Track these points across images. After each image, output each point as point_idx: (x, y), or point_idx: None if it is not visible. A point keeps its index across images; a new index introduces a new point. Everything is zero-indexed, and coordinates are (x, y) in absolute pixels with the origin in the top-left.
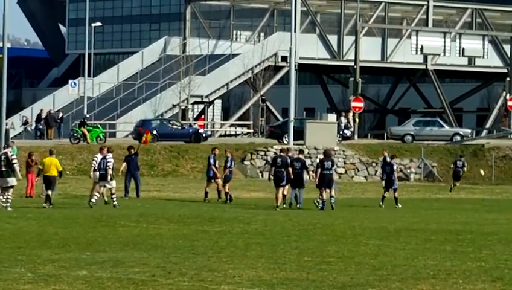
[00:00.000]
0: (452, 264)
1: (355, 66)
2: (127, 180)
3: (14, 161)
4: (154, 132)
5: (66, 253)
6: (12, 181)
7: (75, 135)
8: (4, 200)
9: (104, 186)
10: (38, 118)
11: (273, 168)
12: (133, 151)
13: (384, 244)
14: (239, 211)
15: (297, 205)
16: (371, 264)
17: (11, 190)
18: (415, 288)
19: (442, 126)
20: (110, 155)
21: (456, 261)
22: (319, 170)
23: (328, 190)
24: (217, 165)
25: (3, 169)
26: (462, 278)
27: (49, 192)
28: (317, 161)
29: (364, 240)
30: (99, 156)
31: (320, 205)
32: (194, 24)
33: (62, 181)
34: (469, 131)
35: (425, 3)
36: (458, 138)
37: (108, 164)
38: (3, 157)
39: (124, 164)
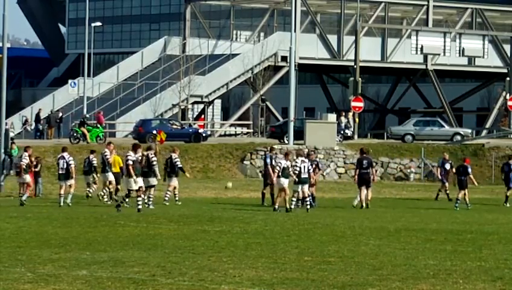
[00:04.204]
0: (452, 264)
1: (355, 66)
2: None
3: (154, 163)
4: (154, 132)
5: (66, 253)
6: (153, 181)
7: (75, 134)
8: (146, 199)
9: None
10: (37, 118)
11: (358, 170)
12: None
13: (384, 244)
14: (239, 211)
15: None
16: (371, 264)
17: (152, 189)
18: (415, 288)
19: (443, 126)
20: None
21: (456, 261)
22: (357, 170)
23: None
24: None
25: (145, 170)
26: (462, 277)
27: (118, 186)
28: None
29: (365, 240)
30: (283, 161)
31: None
32: (194, 24)
33: None
34: (469, 131)
35: (425, 3)
36: (458, 137)
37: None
38: (144, 158)
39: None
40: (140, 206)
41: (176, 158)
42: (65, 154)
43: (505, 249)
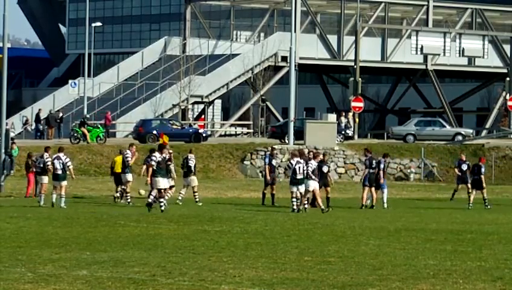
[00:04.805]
0: (452, 264)
1: (355, 66)
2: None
3: (169, 163)
4: (154, 132)
5: (66, 253)
6: (169, 182)
7: (75, 134)
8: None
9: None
10: (37, 118)
11: (368, 170)
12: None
13: (384, 244)
14: (239, 211)
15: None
16: (371, 264)
17: (169, 191)
18: (415, 288)
19: (444, 126)
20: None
21: (456, 261)
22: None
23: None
24: (274, 164)
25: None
26: (462, 277)
27: (119, 187)
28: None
29: (365, 240)
30: (313, 162)
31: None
32: (194, 24)
33: None
34: (471, 131)
35: (425, 3)
36: (460, 137)
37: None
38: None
39: (145, 167)
40: (163, 207)
41: (191, 158)
42: (61, 154)
43: (505, 249)
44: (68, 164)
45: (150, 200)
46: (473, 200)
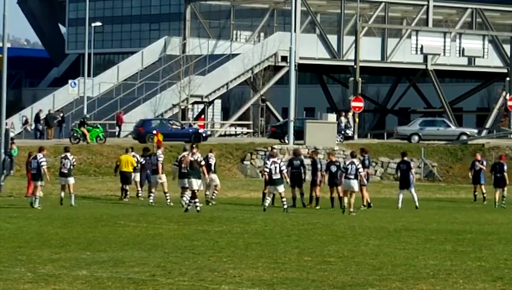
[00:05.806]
0: (452, 264)
1: (355, 66)
2: (142, 180)
3: (202, 163)
4: (154, 132)
5: (66, 253)
6: (196, 184)
7: (75, 134)
8: (187, 202)
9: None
10: (37, 118)
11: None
12: (147, 152)
13: (384, 244)
14: (239, 211)
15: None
16: (371, 264)
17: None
18: (415, 288)
19: (449, 126)
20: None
21: (456, 261)
22: (290, 169)
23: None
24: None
25: (184, 171)
26: (462, 277)
27: (126, 186)
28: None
29: (365, 240)
30: (356, 161)
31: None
32: (194, 24)
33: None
34: (475, 131)
35: (425, 3)
36: (464, 137)
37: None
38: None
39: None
40: (198, 208)
41: (211, 157)
42: (39, 154)
43: (505, 249)
44: (42, 165)
45: (184, 205)
46: (481, 198)
